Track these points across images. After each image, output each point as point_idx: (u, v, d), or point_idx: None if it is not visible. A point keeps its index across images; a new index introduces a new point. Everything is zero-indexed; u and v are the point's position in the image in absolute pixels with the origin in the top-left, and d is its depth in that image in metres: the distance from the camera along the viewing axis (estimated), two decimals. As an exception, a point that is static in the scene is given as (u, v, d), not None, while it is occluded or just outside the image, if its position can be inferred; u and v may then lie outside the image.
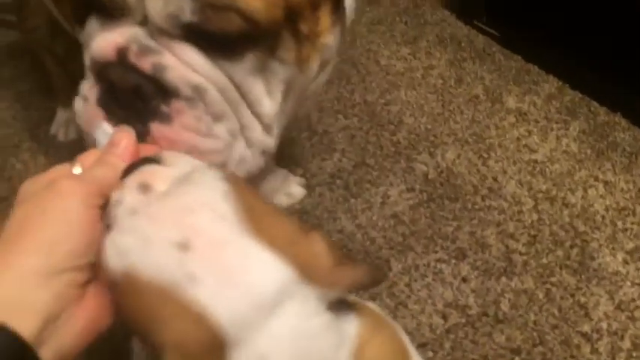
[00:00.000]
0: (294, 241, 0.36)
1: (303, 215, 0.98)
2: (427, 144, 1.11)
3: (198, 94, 0.50)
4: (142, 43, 0.49)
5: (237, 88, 0.52)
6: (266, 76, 0.53)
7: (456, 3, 1.46)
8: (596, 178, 0.99)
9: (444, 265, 0.89)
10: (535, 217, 0.94)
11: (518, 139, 1.09)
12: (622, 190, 0.97)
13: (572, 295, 0.83)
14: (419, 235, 0.94)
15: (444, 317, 0.82)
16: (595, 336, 0.78)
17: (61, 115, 1.21)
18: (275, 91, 0.55)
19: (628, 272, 0.85)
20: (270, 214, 0.37)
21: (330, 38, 0.57)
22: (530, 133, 1.10)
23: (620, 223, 0.92)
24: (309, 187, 1.02)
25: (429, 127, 1.14)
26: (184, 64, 0.49)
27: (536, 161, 1.04)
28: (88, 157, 0.44)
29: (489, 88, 1.22)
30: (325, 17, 0.56)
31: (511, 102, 1.17)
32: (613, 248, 0.88)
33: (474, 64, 1.29)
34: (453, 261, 0.89)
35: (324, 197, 1.01)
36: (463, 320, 0.81)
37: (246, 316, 0.33)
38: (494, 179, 1.02)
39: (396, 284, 0.86)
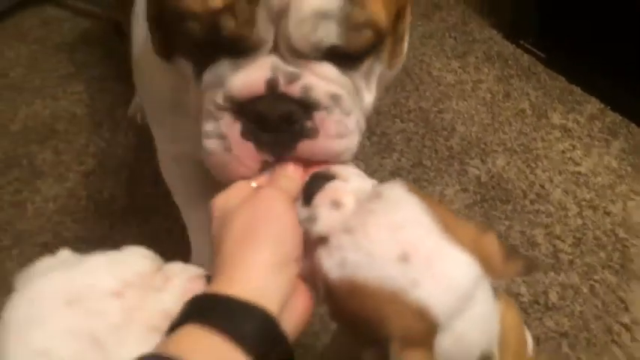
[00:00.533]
0: (476, 240, 0.46)
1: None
2: (478, 150, 1.21)
3: (335, 102, 0.53)
4: (287, 70, 0.51)
5: (356, 89, 0.57)
6: (369, 76, 0.58)
7: (504, 23, 1.57)
8: (636, 192, 1.10)
9: (497, 258, 0.99)
10: (580, 222, 1.05)
11: (563, 152, 1.20)
12: (659, 203, 1.08)
13: (614, 292, 0.93)
14: (474, 231, 1.04)
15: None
16: (634, 327, 0.88)
17: (137, 99, 1.31)
18: (372, 85, 0.59)
19: (664, 276, 0.95)
20: (453, 218, 0.46)
21: (408, 34, 0.62)
22: (574, 147, 1.21)
23: (656, 233, 1.02)
24: (372, 181, 1.13)
25: (480, 135, 1.25)
26: (324, 80, 0.52)
27: (579, 173, 1.15)
28: (261, 178, 0.51)
29: (535, 104, 1.33)
30: (408, 16, 0.61)
31: (556, 118, 1.28)
32: (650, 255, 0.99)
33: (521, 81, 1.40)
34: (505, 255, 1.00)
35: (387, 191, 1.11)
36: (517, 306, 0.91)
37: (454, 306, 0.43)
38: (542, 186, 1.12)
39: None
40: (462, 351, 0.44)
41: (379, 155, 1.21)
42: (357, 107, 0.57)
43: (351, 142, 0.56)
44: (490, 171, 1.16)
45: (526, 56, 1.48)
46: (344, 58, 0.52)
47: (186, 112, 0.65)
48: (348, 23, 0.48)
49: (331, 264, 0.44)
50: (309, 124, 0.52)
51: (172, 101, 0.71)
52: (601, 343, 0.87)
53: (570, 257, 0.99)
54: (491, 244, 0.47)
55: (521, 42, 1.52)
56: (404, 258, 0.43)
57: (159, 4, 0.54)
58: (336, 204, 0.47)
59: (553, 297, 0.93)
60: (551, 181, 1.13)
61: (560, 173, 1.15)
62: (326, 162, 0.54)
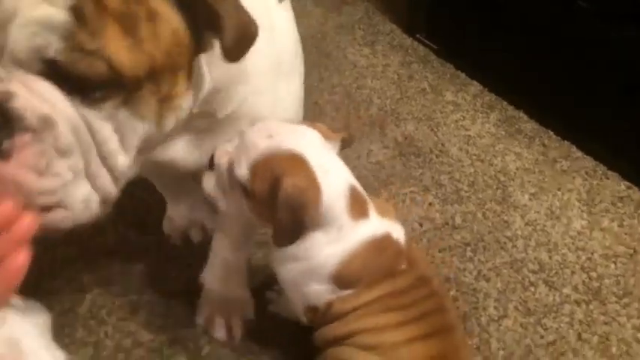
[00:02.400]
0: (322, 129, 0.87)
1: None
2: (393, 118, 1.54)
3: (45, 126, 0.49)
4: None
5: (93, 134, 0.53)
6: (124, 131, 0.54)
7: (402, 20, 1.92)
8: (510, 150, 1.49)
9: (416, 196, 1.32)
10: (472, 170, 1.41)
11: (456, 121, 1.56)
12: (525, 157, 1.47)
13: (499, 215, 1.30)
14: (396, 176, 1.36)
15: (420, 225, 1.25)
16: (514, 238, 1.25)
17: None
18: (131, 146, 0.56)
19: (532, 206, 1.34)
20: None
21: (184, 100, 0.60)
22: (464, 118, 1.58)
23: (525, 177, 1.41)
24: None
25: (393, 107, 1.58)
26: (34, 94, 0.49)
27: (469, 136, 1.51)
28: None
29: (432, 84, 1.68)
30: (182, 81, 0.59)
31: (449, 96, 1.65)
32: (521, 191, 1.37)
33: (419, 67, 1.75)
34: (421, 193, 1.33)
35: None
36: (432, 226, 1.25)
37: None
38: (443, 145, 1.47)
39: (387, 203, 1.27)
40: None
41: (314, 121, 1.49)
42: (92, 158, 0.54)
43: (54, 184, 0.51)
44: (404, 134, 1.49)
45: (421, 47, 1.84)
46: (71, 84, 0.50)
47: None
48: (73, 43, 0.47)
49: (240, 169, 0.76)
50: (5, 143, 0.48)
51: None
52: (493, 248, 1.22)
53: (468, 194, 1.34)
54: (326, 130, 0.85)
55: (417, 35, 1.88)
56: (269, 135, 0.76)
57: None
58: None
59: (458, 220, 1.28)
60: (450, 141, 1.49)
61: (455, 136, 1.51)
62: (20, 199, 0.50)
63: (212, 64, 0.63)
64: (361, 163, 1.39)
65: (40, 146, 0.49)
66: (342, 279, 0.80)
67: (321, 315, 0.83)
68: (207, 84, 0.65)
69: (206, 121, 0.74)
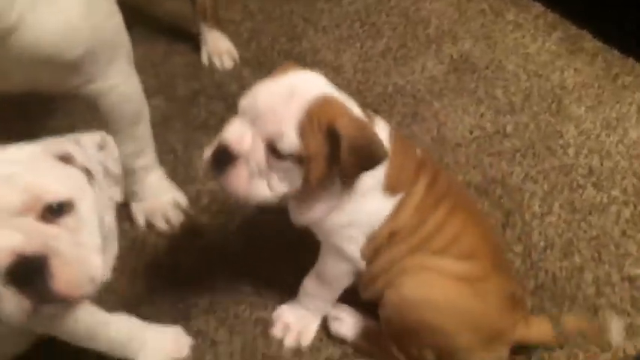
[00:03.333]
0: None
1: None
2: (450, 37, 1.56)
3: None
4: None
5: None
6: None
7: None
8: (569, 66, 1.48)
9: (468, 107, 1.36)
10: (528, 84, 1.42)
11: (515, 39, 1.56)
12: (585, 73, 1.46)
13: (553, 126, 1.31)
14: (450, 89, 1.40)
15: (470, 132, 1.29)
16: (565, 146, 1.27)
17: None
18: None
19: (588, 117, 1.34)
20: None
21: None
22: (523, 37, 1.57)
23: (583, 91, 1.41)
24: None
25: (451, 27, 1.60)
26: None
27: (528, 53, 1.52)
28: None
29: (492, 6, 1.68)
30: None
31: (509, 16, 1.64)
32: (578, 104, 1.37)
33: (481, -11, 1.75)
34: (474, 105, 1.36)
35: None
36: (483, 134, 1.28)
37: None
38: (500, 61, 1.49)
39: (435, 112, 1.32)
40: None
41: (371, 39, 1.54)
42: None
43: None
44: (460, 51, 1.52)
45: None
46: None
47: None
48: None
49: (286, 139, 0.74)
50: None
51: None
52: (543, 155, 1.25)
53: (521, 106, 1.36)
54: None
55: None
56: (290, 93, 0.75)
57: None
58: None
59: (509, 129, 1.30)
60: (507, 58, 1.50)
61: (512, 54, 1.52)
62: None
63: None
64: (415, 78, 1.43)
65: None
66: (393, 182, 0.84)
67: (381, 242, 0.85)
68: None
69: None
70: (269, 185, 0.78)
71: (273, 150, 0.75)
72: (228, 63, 1.46)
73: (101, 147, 0.70)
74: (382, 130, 0.83)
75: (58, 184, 0.63)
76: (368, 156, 0.76)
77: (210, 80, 1.43)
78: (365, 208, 0.85)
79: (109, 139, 0.72)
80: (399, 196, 0.85)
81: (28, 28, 0.79)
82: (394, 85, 1.41)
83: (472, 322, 0.84)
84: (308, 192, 0.81)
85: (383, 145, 0.78)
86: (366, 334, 0.96)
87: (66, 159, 0.67)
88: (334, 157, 0.75)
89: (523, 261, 1.07)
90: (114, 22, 0.93)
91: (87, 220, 0.64)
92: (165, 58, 1.46)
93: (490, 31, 1.59)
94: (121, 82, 0.98)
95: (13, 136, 0.68)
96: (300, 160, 0.75)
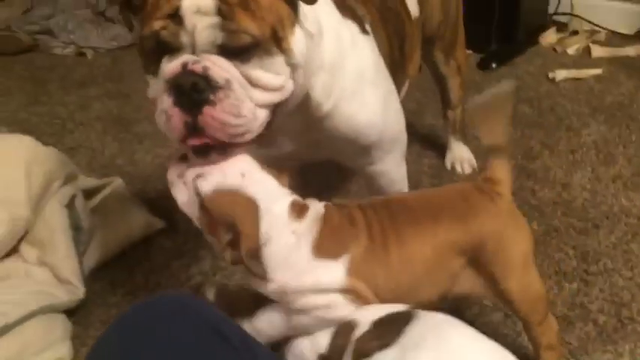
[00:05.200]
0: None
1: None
2: None
3: (227, 85, 0.80)
4: (194, 58, 0.80)
5: (249, 80, 0.82)
6: (268, 68, 0.84)
7: None
8: None
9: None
10: None
11: None
12: None
13: None
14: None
15: None
16: None
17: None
18: (280, 73, 0.85)
19: None
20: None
21: (294, 43, 0.86)
22: None
23: None
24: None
25: None
26: (216, 65, 0.80)
27: None
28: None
29: None
30: (289, 28, 0.86)
31: None
32: None
33: None
34: None
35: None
36: None
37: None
38: None
39: None
40: None
41: (604, 165, 1.69)
42: (253, 94, 0.83)
43: (247, 124, 0.82)
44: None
45: None
46: (232, 53, 0.80)
47: None
48: (228, 30, 0.79)
49: (205, 187, 0.83)
50: (211, 96, 0.80)
51: None
52: None
53: None
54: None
55: None
56: (242, 175, 0.84)
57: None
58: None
59: None
60: None
61: None
62: (225, 136, 0.81)
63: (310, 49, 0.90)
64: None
65: (230, 99, 0.80)
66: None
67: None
68: (310, 38, 0.90)
69: (304, 121, 1.00)
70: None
71: (195, 184, 0.85)
72: (467, 170, 1.75)
73: None
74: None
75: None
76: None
77: (450, 181, 1.71)
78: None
79: None
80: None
81: (339, 115, 1.03)
82: (620, 206, 1.53)
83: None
84: None
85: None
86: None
87: None
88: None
89: None
90: (400, 120, 1.16)
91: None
92: (417, 158, 1.81)
93: None
94: (392, 169, 1.19)
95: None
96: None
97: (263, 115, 0.85)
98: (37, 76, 2.57)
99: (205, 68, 0.80)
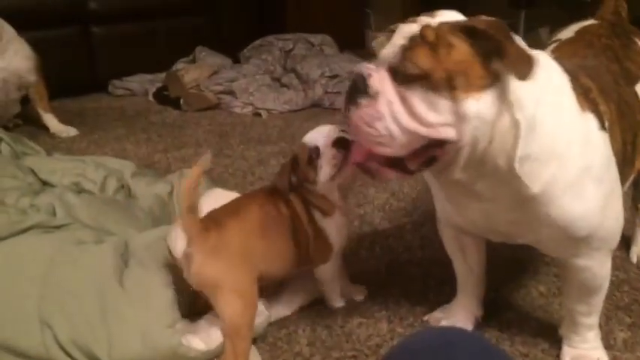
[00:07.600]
0: None
1: None
2: None
3: (375, 96, 0.93)
4: (372, 66, 0.95)
5: (405, 103, 0.92)
6: (429, 104, 0.91)
7: None
8: None
9: None
10: None
11: None
12: None
13: None
14: None
15: None
16: None
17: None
18: (441, 114, 0.92)
19: None
20: None
21: (475, 103, 0.91)
22: None
23: None
24: None
25: None
26: (379, 78, 0.93)
27: None
28: None
29: None
30: (475, 88, 0.91)
31: None
32: None
33: None
34: None
35: None
36: None
37: None
38: None
39: None
40: None
41: None
42: (397, 120, 0.92)
43: (381, 139, 0.93)
44: None
45: None
46: (401, 77, 0.92)
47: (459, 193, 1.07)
48: (403, 56, 0.92)
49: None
50: (359, 99, 0.94)
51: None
52: None
53: None
54: None
55: None
56: None
57: None
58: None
59: None
60: None
61: None
62: (362, 138, 0.96)
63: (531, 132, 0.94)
64: None
65: (372, 109, 0.93)
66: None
67: None
68: (513, 117, 0.92)
69: (506, 195, 1.01)
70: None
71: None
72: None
73: None
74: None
75: None
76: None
77: (636, 274, 1.63)
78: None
79: None
80: None
81: (550, 201, 1.01)
82: None
83: None
84: None
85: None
86: None
87: None
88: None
89: None
90: (617, 222, 1.11)
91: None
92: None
93: None
94: (596, 265, 1.13)
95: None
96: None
97: (403, 138, 0.93)
98: (220, 131, 2.84)
99: (369, 75, 0.94)
